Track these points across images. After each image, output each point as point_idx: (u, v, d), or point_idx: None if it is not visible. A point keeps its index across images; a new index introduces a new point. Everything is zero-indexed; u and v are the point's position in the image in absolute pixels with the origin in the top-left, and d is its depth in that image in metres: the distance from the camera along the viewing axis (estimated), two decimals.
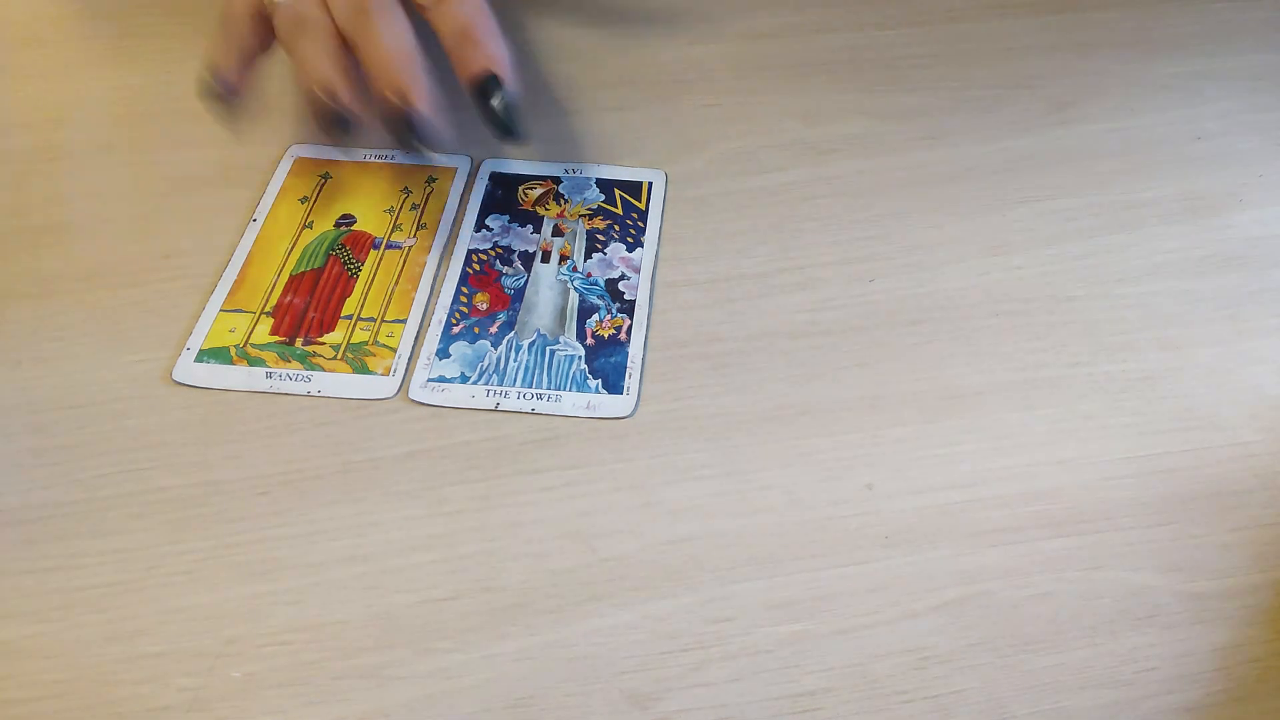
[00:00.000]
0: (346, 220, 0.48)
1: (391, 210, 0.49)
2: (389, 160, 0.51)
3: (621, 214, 0.49)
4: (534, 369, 0.42)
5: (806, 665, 0.35)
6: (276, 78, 0.55)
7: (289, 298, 0.45)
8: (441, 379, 0.42)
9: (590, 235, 0.48)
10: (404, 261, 0.47)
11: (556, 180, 0.51)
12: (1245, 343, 0.44)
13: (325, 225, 0.48)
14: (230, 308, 0.44)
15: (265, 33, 0.47)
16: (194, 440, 0.40)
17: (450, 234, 0.48)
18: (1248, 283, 0.46)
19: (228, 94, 0.45)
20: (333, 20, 0.45)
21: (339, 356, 0.43)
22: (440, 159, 0.51)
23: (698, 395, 0.42)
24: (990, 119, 0.54)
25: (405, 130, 0.43)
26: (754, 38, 0.58)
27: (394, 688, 0.34)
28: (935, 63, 0.57)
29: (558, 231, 0.48)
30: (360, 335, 0.44)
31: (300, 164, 0.51)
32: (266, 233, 0.48)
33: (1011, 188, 0.50)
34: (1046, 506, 0.39)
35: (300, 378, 0.42)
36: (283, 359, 0.43)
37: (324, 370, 0.42)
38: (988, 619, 0.36)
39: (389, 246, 0.47)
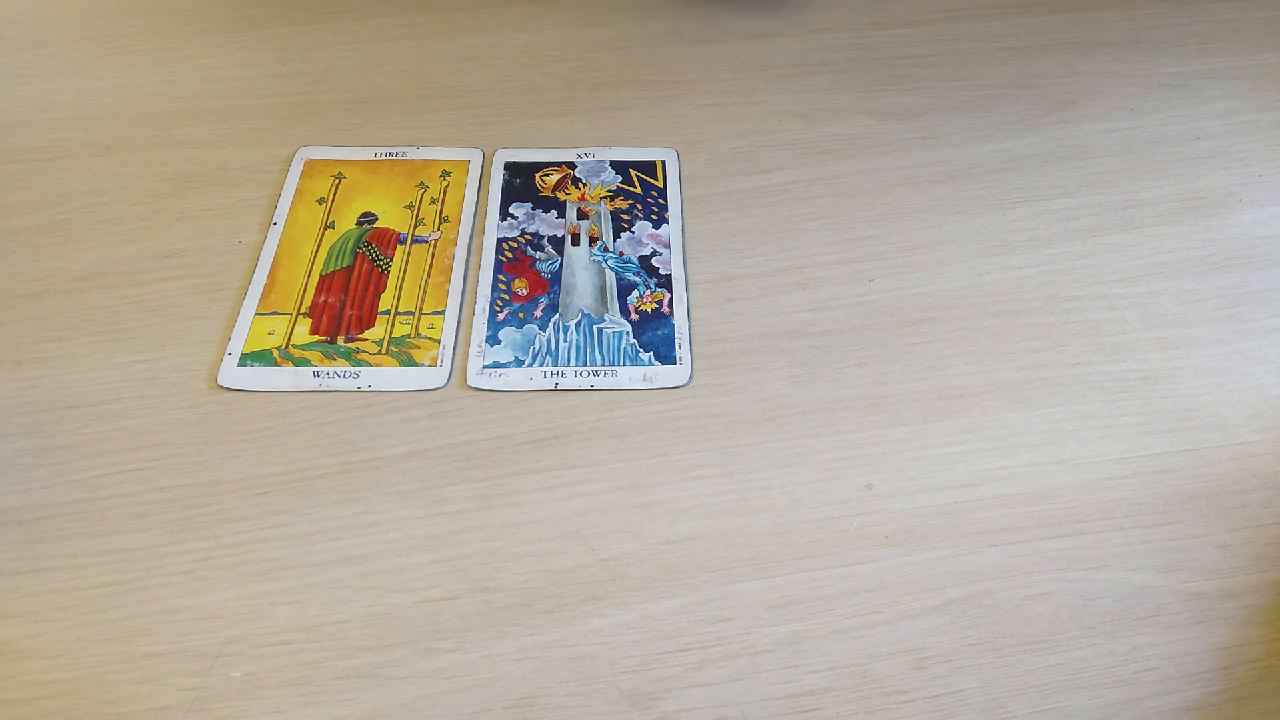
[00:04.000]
0: (368, 218, 0.49)
1: (411, 206, 0.49)
2: (399, 158, 0.51)
3: (641, 193, 0.49)
4: (584, 347, 0.43)
5: (806, 665, 0.35)
6: (277, 78, 0.56)
7: (323, 297, 0.45)
8: (496, 364, 0.42)
9: (615, 216, 0.48)
10: (432, 254, 0.47)
11: (571, 165, 0.51)
12: (1245, 343, 0.44)
13: (347, 224, 0.48)
14: (265, 311, 0.45)
15: None
16: (194, 440, 0.40)
17: (474, 224, 0.48)
18: (1248, 283, 0.46)
19: None
20: None
21: (383, 351, 0.43)
22: (451, 153, 0.51)
23: (698, 395, 0.42)
24: (990, 119, 0.54)
25: None
26: (754, 38, 0.58)
27: (394, 688, 0.34)
28: (935, 63, 0.57)
29: (582, 215, 0.49)
30: (401, 329, 0.44)
31: (311, 165, 0.51)
32: (289, 235, 0.48)
33: (1011, 188, 0.50)
34: (1046, 506, 0.39)
35: (349, 375, 0.42)
36: (327, 357, 0.43)
37: (371, 365, 0.43)
38: (988, 619, 0.36)
39: (415, 241, 0.48)
